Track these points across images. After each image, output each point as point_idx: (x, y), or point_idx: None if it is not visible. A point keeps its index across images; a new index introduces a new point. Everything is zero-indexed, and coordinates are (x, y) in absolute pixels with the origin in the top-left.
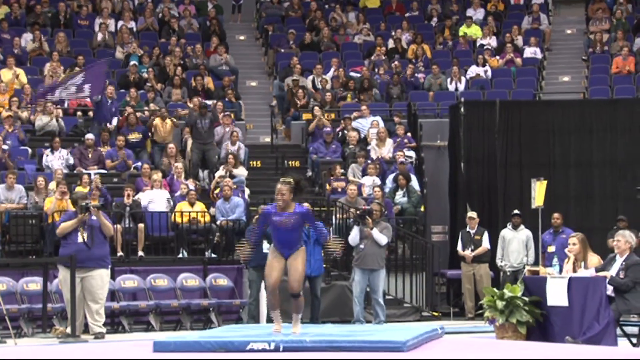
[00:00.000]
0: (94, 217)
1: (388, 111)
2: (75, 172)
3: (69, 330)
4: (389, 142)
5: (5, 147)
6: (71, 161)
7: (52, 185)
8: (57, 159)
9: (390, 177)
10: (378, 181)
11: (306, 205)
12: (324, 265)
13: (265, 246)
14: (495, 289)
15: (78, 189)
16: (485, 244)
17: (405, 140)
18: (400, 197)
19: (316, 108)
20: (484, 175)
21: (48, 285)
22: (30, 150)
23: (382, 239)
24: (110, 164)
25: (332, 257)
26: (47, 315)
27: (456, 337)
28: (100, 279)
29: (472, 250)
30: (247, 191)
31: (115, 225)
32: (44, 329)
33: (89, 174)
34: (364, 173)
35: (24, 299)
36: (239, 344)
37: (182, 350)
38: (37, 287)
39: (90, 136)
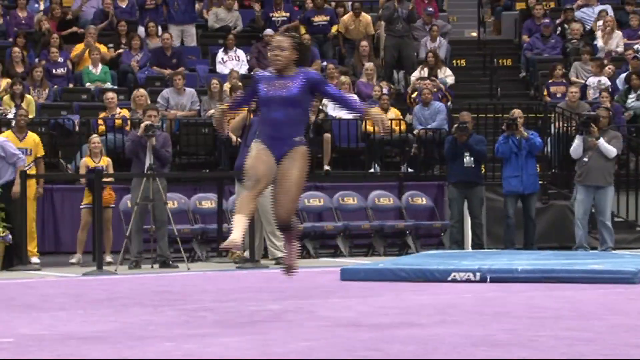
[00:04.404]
0: None
1: None
2: (252, 73)
3: (247, 254)
4: (619, 35)
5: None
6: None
7: (227, 87)
8: (231, 59)
9: (622, 77)
10: (606, 82)
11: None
12: (540, 182)
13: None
14: None
15: None
16: None
17: None
18: (633, 101)
19: None
20: None
21: (224, 203)
22: (201, 49)
23: (611, 150)
24: None
25: (384, 135)
26: (223, 237)
27: None
28: None
29: None
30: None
31: None
32: (219, 253)
33: None
34: (589, 73)
35: (197, 219)
36: (439, 273)
37: (374, 279)
38: (211, 205)
39: (269, 31)
